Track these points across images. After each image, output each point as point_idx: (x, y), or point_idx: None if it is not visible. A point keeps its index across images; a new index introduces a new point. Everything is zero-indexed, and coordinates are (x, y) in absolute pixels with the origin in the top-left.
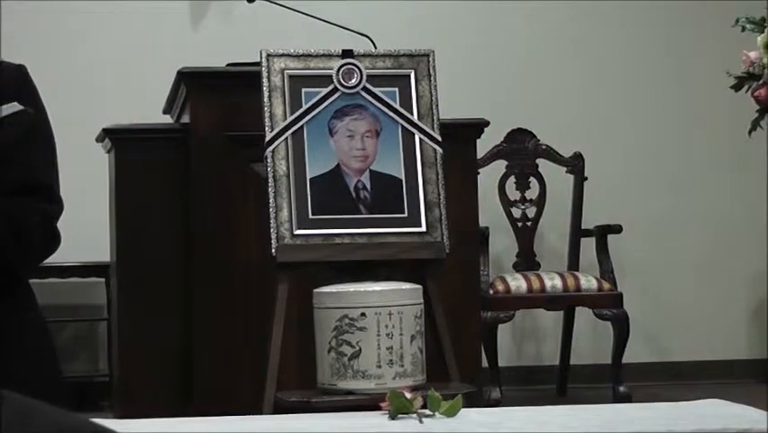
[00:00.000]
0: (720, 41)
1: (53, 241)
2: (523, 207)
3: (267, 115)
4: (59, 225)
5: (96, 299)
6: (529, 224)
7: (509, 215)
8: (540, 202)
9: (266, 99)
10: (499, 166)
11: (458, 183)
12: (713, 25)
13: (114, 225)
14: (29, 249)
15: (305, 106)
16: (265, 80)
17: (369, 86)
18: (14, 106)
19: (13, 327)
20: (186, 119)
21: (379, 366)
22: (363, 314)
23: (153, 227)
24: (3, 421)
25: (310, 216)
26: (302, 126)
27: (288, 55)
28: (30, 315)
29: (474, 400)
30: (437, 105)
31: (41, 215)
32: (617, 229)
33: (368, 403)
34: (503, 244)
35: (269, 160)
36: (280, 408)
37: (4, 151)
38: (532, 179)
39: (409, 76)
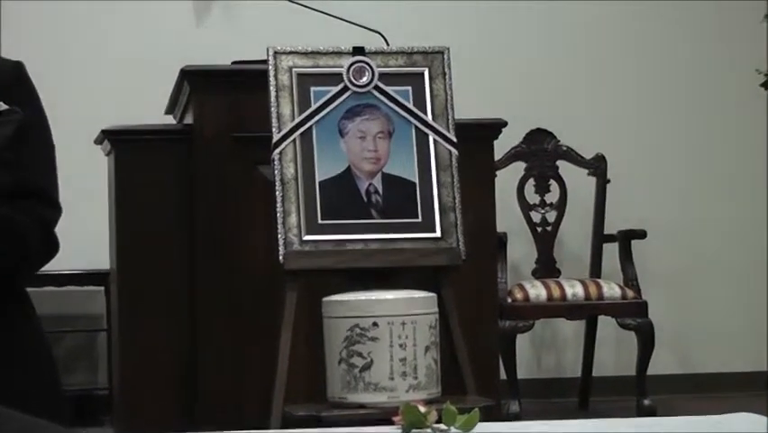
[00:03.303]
0: (747, 40)
1: (51, 248)
2: (542, 211)
3: (274, 115)
4: (57, 231)
5: (94, 309)
6: (549, 228)
7: (528, 219)
8: (560, 206)
9: (273, 99)
10: (518, 168)
11: (474, 186)
12: (739, 25)
13: (114, 231)
14: (24, 255)
15: (314, 106)
16: (272, 79)
17: (381, 84)
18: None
19: (11, 338)
20: (189, 120)
21: (392, 378)
22: (375, 324)
23: (155, 233)
24: None
25: (320, 222)
26: (311, 127)
27: (296, 52)
28: (29, 325)
29: (492, 414)
30: (452, 105)
31: (37, 219)
32: (641, 234)
33: (380, 417)
34: (522, 249)
35: (276, 162)
36: (289, 422)
37: None
38: (552, 181)
39: (423, 74)
